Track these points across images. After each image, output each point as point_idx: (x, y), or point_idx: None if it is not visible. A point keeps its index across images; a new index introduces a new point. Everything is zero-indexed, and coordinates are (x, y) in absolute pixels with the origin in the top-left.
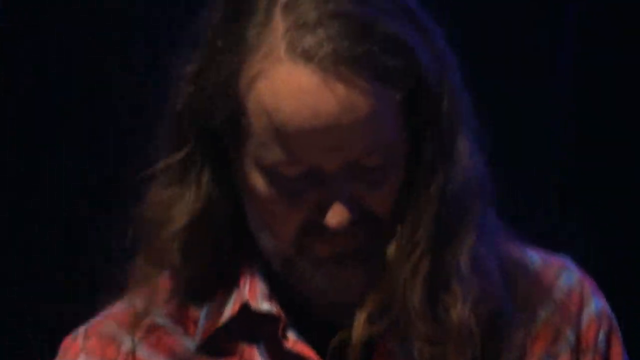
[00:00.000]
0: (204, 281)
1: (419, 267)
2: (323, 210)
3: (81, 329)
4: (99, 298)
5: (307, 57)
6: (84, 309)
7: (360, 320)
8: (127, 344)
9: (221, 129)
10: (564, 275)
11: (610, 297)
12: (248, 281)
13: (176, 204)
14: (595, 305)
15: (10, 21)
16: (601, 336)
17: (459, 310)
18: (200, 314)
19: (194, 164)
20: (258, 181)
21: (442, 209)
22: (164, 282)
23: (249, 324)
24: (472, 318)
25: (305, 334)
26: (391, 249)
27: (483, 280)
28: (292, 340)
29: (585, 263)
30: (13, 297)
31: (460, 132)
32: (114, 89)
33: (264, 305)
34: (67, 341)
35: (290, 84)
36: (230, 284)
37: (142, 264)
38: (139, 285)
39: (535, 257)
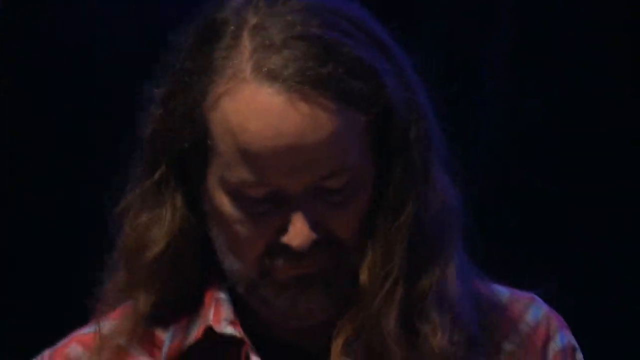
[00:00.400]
0: (170, 304)
1: (393, 294)
2: (286, 230)
3: (46, 352)
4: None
5: (272, 77)
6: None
7: (337, 349)
8: None
9: (189, 151)
10: (532, 309)
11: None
12: (213, 305)
13: (154, 227)
14: (561, 339)
15: (10, 21)
16: None
17: (439, 339)
18: (165, 337)
19: (167, 187)
20: (223, 202)
21: (415, 237)
22: (130, 306)
23: (214, 347)
24: (451, 347)
25: (268, 358)
26: (364, 276)
27: (459, 309)
28: None
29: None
30: None
31: (430, 160)
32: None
33: (228, 329)
34: None
35: (254, 103)
36: (196, 308)
37: (115, 289)
38: (107, 309)
39: (503, 291)
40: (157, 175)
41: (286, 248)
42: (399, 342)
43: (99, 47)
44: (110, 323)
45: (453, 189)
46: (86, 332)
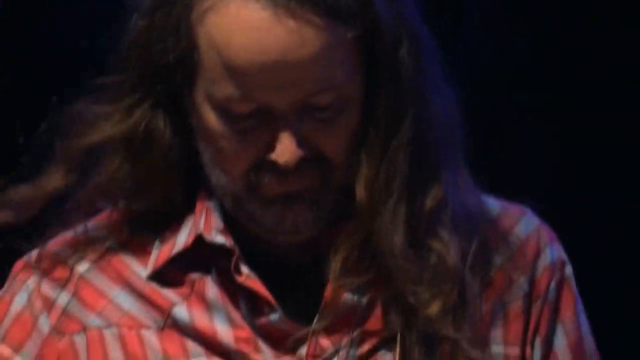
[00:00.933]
0: (157, 213)
1: (398, 212)
2: (273, 147)
3: (33, 252)
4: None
5: None
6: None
7: (336, 269)
8: (79, 267)
9: (173, 65)
10: (522, 222)
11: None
12: (204, 214)
13: (101, 119)
14: (551, 253)
15: (10, 21)
16: (552, 285)
17: (452, 256)
18: (154, 244)
19: (133, 92)
20: (210, 117)
21: (416, 153)
22: (115, 212)
23: (202, 256)
24: (461, 261)
25: (257, 271)
26: (361, 193)
27: (456, 225)
28: (245, 275)
29: None
30: None
31: (423, 77)
32: None
33: (218, 238)
34: (19, 264)
35: (239, 18)
36: (185, 217)
37: (87, 193)
38: (85, 213)
39: (494, 204)
40: (123, 78)
41: (272, 164)
42: (409, 260)
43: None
44: (97, 225)
45: (450, 105)
46: (74, 234)
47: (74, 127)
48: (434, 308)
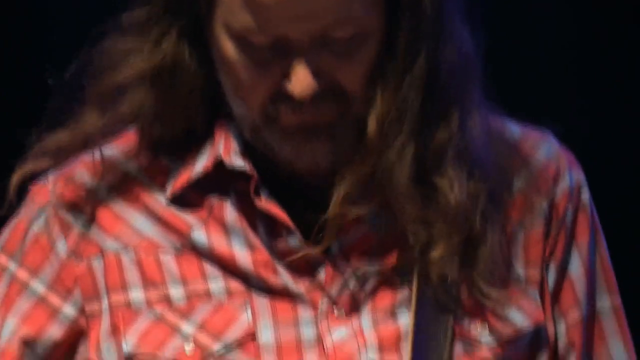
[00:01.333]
0: (176, 137)
1: (405, 149)
2: (289, 78)
3: (51, 176)
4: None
5: None
6: None
7: (337, 200)
8: (99, 193)
9: None
10: (543, 147)
11: None
12: (223, 139)
13: (131, 55)
14: (570, 179)
15: None
16: (569, 211)
17: (457, 194)
18: (172, 168)
19: (158, 24)
20: (228, 47)
21: (430, 89)
22: (132, 136)
23: (222, 181)
24: (468, 200)
25: (276, 196)
26: (372, 127)
27: (477, 161)
28: (264, 199)
29: None
30: None
31: (444, 9)
32: None
33: (238, 162)
34: (36, 187)
35: None
36: (204, 141)
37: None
38: (102, 136)
39: (515, 128)
40: (149, 10)
41: (289, 96)
42: (412, 198)
43: None
44: (116, 150)
45: (472, 39)
46: (92, 158)
47: (103, 65)
48: (438, 250)
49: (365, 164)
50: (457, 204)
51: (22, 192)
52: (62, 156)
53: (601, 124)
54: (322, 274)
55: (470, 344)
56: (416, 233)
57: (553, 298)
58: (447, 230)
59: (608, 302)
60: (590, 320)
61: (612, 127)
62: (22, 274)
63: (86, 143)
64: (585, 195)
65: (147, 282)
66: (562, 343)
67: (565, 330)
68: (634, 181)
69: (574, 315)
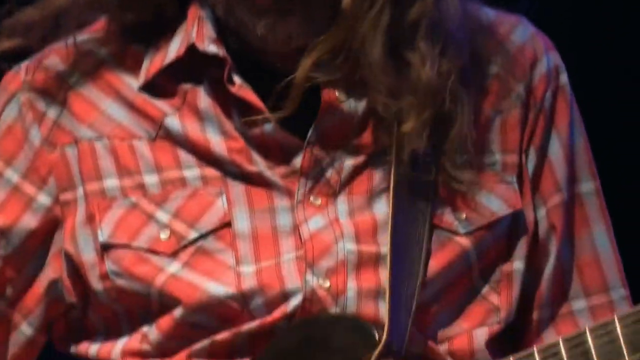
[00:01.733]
0: (149, 24)
1: (379, 20)
2: None
3: (23, 64)
4: None
5: None
6: None
7: (305, 65)
8: (70, 79)
9: None
10: (518, 30)
11: None
12: (196, 24)
13: None
14: (547, 62)
15: None
16: (548, 94)
17: (427, 70)
18: (145, 55)
19: None
20: None
21: None
22: (107, 24)
23: (195, 67)
24: (438, 77)
25: (249, 82)
26: (347, 1)
27: (449, 39)
28: (237, 85)
29: None
30: None
31: None
32: None
33: (211, 47)
34: (9, 75)
35: None
36: (175, 27)
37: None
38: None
39: (489, 12)
40: None
41: None
42: (384, 69)
43: None
44: (89, 37)
45: None
46: (64, 45)
47: None
48: (408, 123)
49: (338, 34)
50: (428, 79)
51: None
52: (32, 32)
53: (601, 123)
54: (299, 162)
55: (448, 232)
56: (386, 105)
57: (533, 184)
58: (417, 104)
59: (589, 186)
60: (571, 203)
61: (612, 127)
62: None
63: (57, 19)
64: (564, 78)
65: (122, 170)
66: (542, 227)
67: (545, 214)
68: (634, 181)
69: (555, 198)
